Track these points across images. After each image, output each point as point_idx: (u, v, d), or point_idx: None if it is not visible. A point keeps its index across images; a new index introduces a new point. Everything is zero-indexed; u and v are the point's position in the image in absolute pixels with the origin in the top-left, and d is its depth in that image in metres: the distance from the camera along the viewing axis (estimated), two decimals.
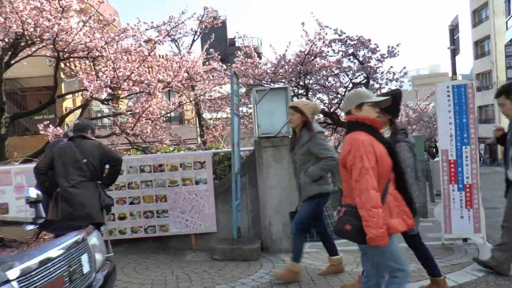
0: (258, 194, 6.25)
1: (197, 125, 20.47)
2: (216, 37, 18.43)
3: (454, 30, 6.95)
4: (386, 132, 3.92)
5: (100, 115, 18.51)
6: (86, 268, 3.11)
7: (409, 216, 3.09)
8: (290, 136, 6.14)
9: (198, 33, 18.36)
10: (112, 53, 9.55)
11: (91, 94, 9.27)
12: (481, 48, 40.65)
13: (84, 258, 3.13)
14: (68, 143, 4.93)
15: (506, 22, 34.22)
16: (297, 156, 4.77)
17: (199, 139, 20.21)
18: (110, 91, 9.86)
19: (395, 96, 3.81)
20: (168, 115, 26.69)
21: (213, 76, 14.04)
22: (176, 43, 18.73)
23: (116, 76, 9.67)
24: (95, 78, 9.35)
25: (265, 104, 6.12)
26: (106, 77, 9.54)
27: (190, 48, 18.10)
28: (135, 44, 10.01)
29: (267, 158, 6.15)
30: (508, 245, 4.81)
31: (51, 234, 3.45)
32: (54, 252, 2.81)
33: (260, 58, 14.14)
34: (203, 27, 17.74)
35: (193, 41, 18.73)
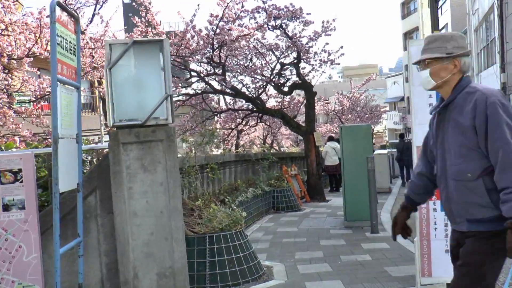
0: (115, 225, 3.59)
1: (101, 113, 17.21)
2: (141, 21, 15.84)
3: None
4: None
5: None
6: None
7: None
8: (170, 124, 3.57)
9: (100, 3, 15.38)
10: None
11: None
12: (410, 39, 40.60)
13: None
14: None
15: None
16: None
17: (103, 130, 16.99)
18: None
19: None
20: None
21: None
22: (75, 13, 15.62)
23: None
24: None
25: (126, 69, 3.48)
26: None
27: (91, 21, 15.14)
28: None
29: (129, 163, 3.49)
30: None
31: None
32: None
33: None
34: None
35: (94, 12, 15.70)
